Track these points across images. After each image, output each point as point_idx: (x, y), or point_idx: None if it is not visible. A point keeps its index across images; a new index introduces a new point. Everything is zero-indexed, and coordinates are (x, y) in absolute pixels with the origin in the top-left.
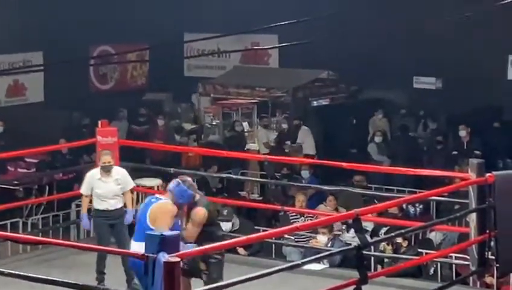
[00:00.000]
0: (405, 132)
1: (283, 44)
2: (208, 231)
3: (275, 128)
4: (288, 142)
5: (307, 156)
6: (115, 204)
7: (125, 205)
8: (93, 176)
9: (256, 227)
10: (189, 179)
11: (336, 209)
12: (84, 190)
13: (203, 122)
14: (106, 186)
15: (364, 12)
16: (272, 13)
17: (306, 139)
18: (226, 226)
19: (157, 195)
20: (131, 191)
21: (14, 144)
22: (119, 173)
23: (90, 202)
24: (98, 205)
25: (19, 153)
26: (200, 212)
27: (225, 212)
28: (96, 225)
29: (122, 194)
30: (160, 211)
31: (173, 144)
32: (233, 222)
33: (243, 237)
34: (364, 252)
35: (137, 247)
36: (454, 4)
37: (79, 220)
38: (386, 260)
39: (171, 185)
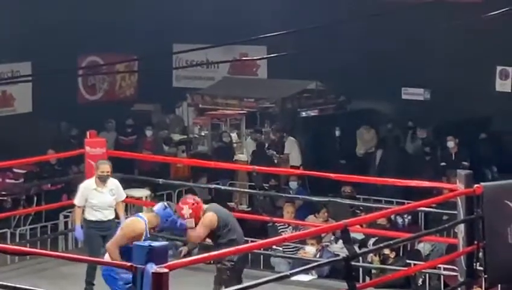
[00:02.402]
0: (393, 142)
1: (272, 55)
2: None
3: (264, 140)
4: (275, 153)
5: (292, 167)
6: (108, 215)
7: (117, 216)
8: (88, 186)
9: (244, 238)
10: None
11: (327, 221)
12: (78, 200)
13: (192, 133)
14: (101, 196)
15: (353, 24)
16: (260, 24)
17: (292, 150)
18: None
19: (142, 213)
20: (123, 202)
21: (1, 155)
22: (113, 183)
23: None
24: (91, 215)
25: (6, 163)
26: (205, 219)
27: None
28: (89, 236)
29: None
30: (128, 231)
31: (162, 155)
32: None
33: (232, 248)
34: (353, 263)
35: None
36: (445, 15)
37: (67, 231)
38: (374, 271)
39: (157, 207)
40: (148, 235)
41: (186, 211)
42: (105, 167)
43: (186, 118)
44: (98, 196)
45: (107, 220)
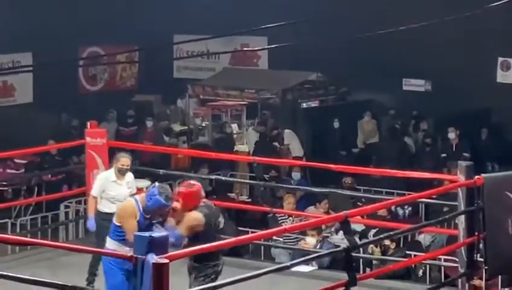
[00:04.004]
0: (394, 134)
1: (272, 46)
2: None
3: (266, 130)
4: (277, 143)
5: (295, 158)
6: None
7: None
8: (107, 178)
9: (245, 229)
10: (168, 187)
11: (327, 212)
12: (95, 191)
13: (193, 124)
14: (119, 189)
15: (354, 15)
16: (261, 15)
17: (292, 142)
18: None
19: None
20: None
21: (2, 145)
22: (130, 176)
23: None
24: (107, 208)
25: (7, 154)
26: (191, 216)
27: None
28: (102, 228)
29: None
30: (121, 211)
31: (162, 146)
32: (219, 220)
33: (233, 239)
34: (353, 254)
35: (107, 244)
36: (447, 5)
37: (67, 221)
38: (374, 262)
39: (151, 187)
40: (144, 214)
41: (172, 222)
42: (126, 160)
43: (187, 109)
44: (117, 189)
45: None
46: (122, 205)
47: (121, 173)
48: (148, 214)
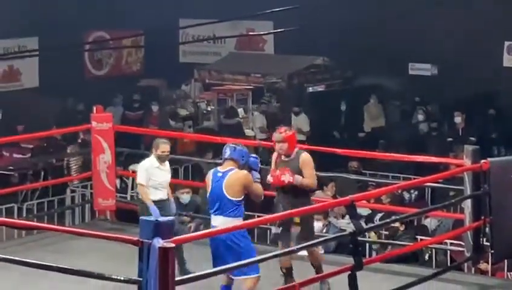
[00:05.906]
0: (400, 118)
1: (278, 30)
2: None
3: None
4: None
5: None
6: (166, 194)
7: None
8: (151, 164)
9: (251, 213)
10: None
11: (335, 196)
12: (143, 179)
13: (199, 109)
14: (164, 174)
15: None
16: None
17: (304, 126)
18: None
19: (218, 168)
20: None
21: (8, 130)
22: (167, 163)
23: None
24: (153, 195)
25: (13, 138)
26: (306, 157)
27: None
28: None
29: None
30: (243, 181)
31: (168, 130)
32: None
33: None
34: (359, 238)
35: (222, 221)
36: None
37: (74, 206)
38: (374, 246)
39: (229, 152)
40: None
41: (287, 178)
42: (166, 146)
43: (193, 94)
44: (162, 175)
45: (166, 199)
46: (237, 177)
47: (162, 159)
48: None
